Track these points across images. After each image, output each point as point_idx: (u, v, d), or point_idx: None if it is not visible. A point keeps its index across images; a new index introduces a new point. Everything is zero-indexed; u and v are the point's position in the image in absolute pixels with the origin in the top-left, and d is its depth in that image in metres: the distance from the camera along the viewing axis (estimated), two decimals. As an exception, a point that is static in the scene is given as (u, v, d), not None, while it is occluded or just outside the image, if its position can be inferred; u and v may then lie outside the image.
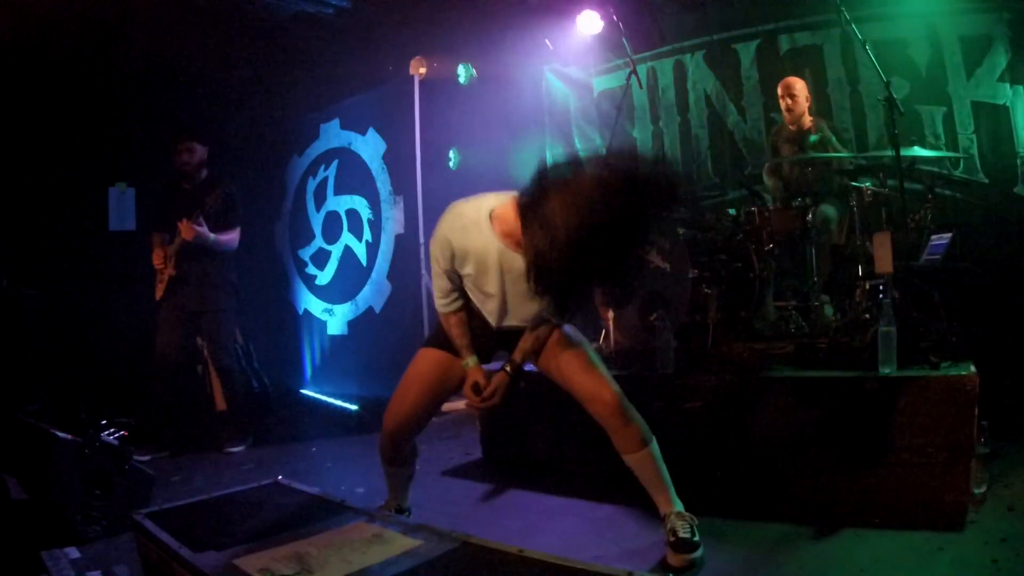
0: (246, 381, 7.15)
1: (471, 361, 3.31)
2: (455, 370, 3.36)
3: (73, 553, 3.48)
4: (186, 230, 5.55)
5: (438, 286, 3.25)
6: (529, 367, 3.42)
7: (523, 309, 3.18)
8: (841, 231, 5.43)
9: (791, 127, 5.94)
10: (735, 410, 4.00)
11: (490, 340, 3.38)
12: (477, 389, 3.28)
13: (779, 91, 5.95)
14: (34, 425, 4.19)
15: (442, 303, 3.29)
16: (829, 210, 5.33)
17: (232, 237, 5.92)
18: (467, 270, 3.09)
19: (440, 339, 3.38)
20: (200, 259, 5.79)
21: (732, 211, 5.89)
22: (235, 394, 6.16)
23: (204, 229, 5.61)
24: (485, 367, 3.36)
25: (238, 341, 6.70)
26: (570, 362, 3.25)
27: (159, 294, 5.82)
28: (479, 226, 3.00)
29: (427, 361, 3.41)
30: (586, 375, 3.22)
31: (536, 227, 2.57)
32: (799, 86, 5.85)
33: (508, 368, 3.28)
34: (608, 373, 3.26)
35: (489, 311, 3.22)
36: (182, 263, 5.75)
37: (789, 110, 5.88)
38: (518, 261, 2.86)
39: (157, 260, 5.79)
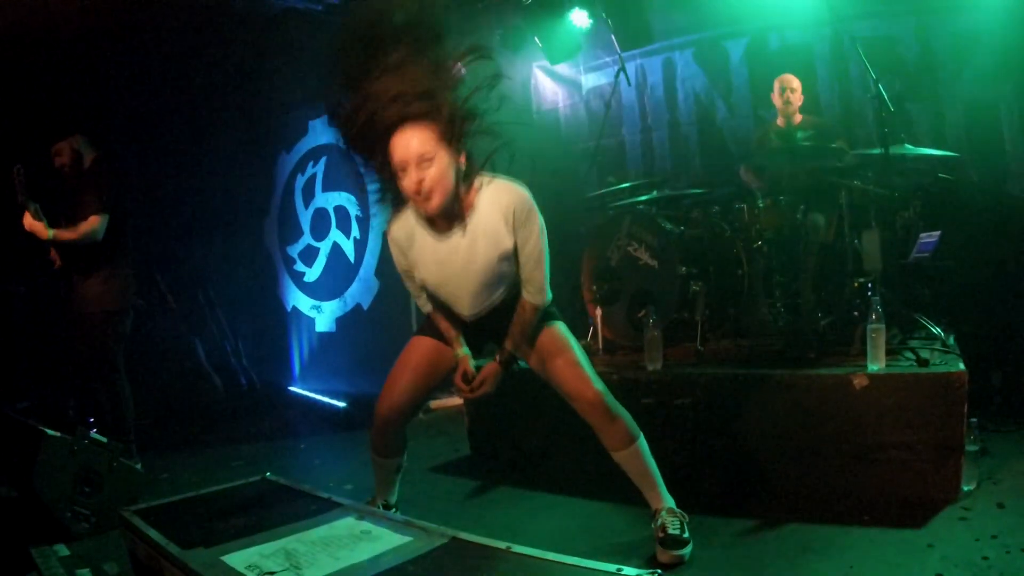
0: (224, 380, 7.04)
1: (461, 352, 3.33)
2: (446, 357, 3.39)
3: (62, 550, 3.48)
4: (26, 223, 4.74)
5: (409, 287, 3.33)
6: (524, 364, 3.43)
7: (480, 288, 3.18)
8: (830, 229, 5.44)
9: (780, 123, 5.95)
10: (723, 407, 4.01)
11: (479, 333, 3.39)
12: (467, 379, 3.29)
13: (777, 85, 5.93)
14: (23, 422, 4.17)
15: (420, 302, 3.38)
16: (819, 218, 5.35)
17: (76, 232, 4.78)
18: (416, 269, 3.20)
19: (431, 328, 3.41)
20: (67, 255, 4.97)
21: (720, 208, 5.90)
22: (101, 407, 4.99)
23: (38, 224, 4.71)
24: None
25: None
26: (556, 360, 3.24)
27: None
28: (406, 215, 3.19)
29: (419, 348, 3.43)
30: (571, 373, 3.21)
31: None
32: (797, 83, 5.87)
33: (498, 357, 3.29)
34: (593, 371, 3.24)
35: (453, 303, 3.26)
36: (64, 260, 4.99)
37: (788, 103, 5.87)
38: (444, 239, 3.06)
39: (55, 257, 5.02)
